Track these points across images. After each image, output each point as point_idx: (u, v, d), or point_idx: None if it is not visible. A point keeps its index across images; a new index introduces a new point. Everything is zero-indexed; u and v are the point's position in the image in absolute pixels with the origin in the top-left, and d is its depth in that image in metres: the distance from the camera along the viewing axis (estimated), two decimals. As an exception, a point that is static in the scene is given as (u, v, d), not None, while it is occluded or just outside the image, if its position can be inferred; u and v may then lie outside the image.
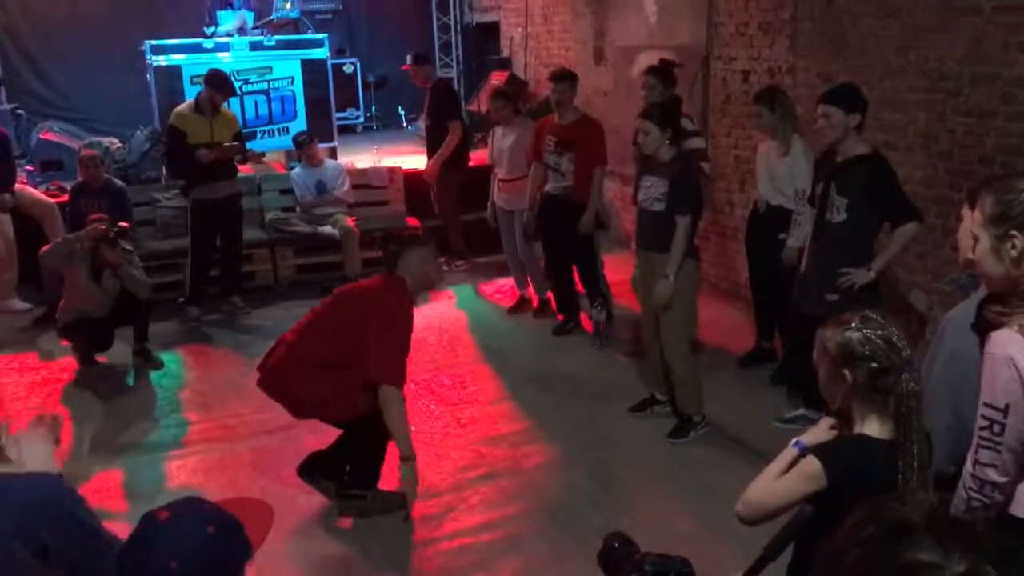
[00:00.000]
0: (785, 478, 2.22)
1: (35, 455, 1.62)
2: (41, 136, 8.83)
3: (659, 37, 7.84)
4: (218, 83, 7.02)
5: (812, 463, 2.17)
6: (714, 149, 7.23)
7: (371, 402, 4.02)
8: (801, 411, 4.86)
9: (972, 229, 2.28)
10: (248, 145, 7.54)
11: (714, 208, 7.28)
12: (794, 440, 2.32)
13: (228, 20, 9.29)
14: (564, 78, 6.32)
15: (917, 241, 4.72)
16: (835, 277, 4.38)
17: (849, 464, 2.16)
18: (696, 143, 5.98)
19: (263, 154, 8.41)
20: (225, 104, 7.17)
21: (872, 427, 2.20)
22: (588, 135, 6.23)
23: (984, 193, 2.28)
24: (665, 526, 4.06)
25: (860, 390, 2.19)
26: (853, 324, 2.21)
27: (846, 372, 2.20)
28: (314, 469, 4.36)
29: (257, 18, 9.54)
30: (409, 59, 8.39)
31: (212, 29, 9.23)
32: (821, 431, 2.33)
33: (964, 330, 2.42)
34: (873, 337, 2.17)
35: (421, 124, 10.40)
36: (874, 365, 2.16)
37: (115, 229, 5.98)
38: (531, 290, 7.15)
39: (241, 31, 9.19)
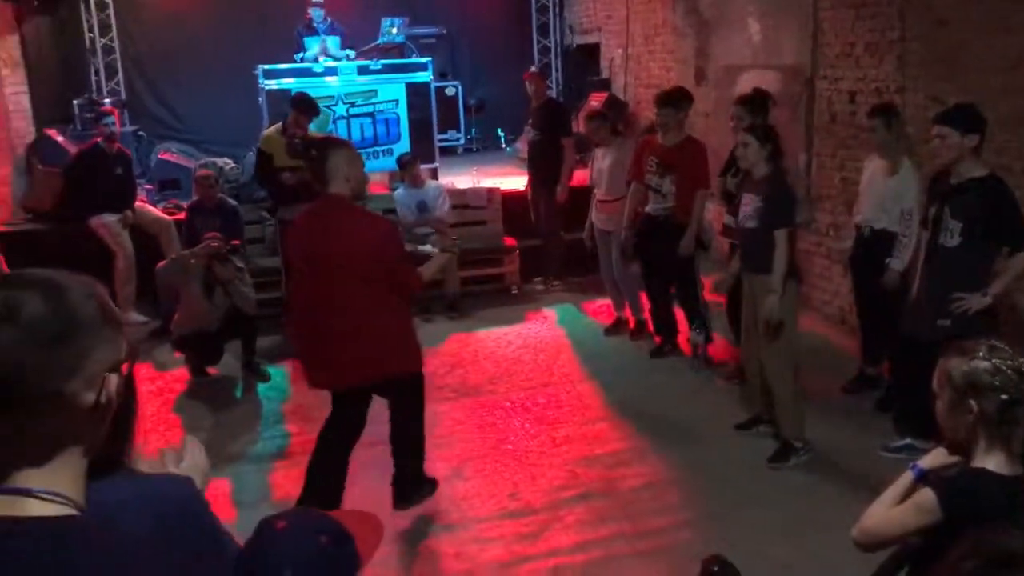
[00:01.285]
0: (900, 508, 2.15)
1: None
2: (160, 156, 9.28)
3: (763, 57, 7.75)
4: (301, 105, 7.23)
5: (927, 495, 2.10)
6: (819, 170, 7.10)
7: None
8: (908, 440, 4.70)
9: None
10: None
11: (818, 231, 7.14)
12: (912, 464, 2.26)
13: (313, 46, 9.58)
14: (668, 103, 6.22)
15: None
16: (948, 302, 4.25)
17: (966, 499, 2.09)
18: None
19: None
20: (313, 127, 7.36)
21: (994, 461, 2.12)
22: (691, 157, 6.17)
23: None
24: (762, 553, 3.98)
25: (986, 422, 2.11)
26: (980, 353, 2.12)
27: (972, 403, 2.11)
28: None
29: (343, 43, 9.79)
30: (535, 69, 8.52)
31: (300, 55, 9.52)
32: (940, 455, 2.25)
33: None
34: (1003, 367, 2.09)
35: (519, 145, 10.52)
36: (1004, 397, 2.07)
37: (227, 247, 6.23)
38: (628, 311, 7.13)
39: (326, 56, 9.45)
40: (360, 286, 3.92)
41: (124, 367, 1.18)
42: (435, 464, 5.06)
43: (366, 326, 3.98)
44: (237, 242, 6.59)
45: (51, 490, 1.12)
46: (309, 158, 4.11)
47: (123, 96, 10.77)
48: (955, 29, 5.54)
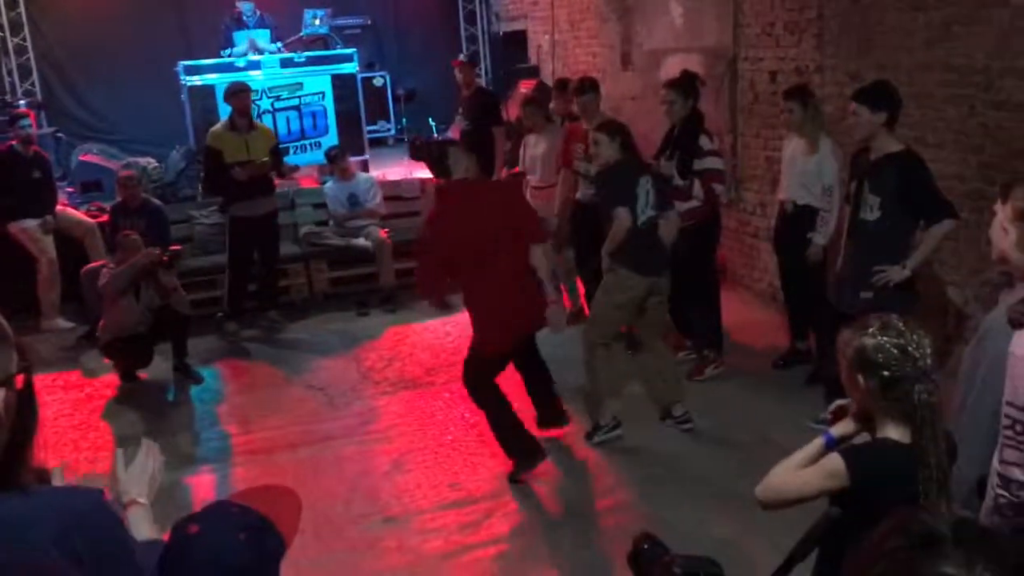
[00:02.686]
0: (807, 471, 2.21)
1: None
2: (81, 158, 9.02)
3: (685, 40, 7.83)
4: (234, 89, 7.20)
5: (835, 461, 2.15)
6: (744, 149, 7.21)
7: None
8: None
9: (1003, 223, 2.28)
10: (284, 159, 7.64)
11: (745, 209, 7.25)
12: (824, 431, 2.32)
13: (242, 41, 9.39)
14: (586, 89, 6.30)
15: (951, 238, 4.67)
16: (870, 275, 4.34)
17: (873, 466, 2.15)
18: (712, 163, 5.58)
19: (297, 168, 8.46)
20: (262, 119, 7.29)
21: (892, 431, 2.18)
22: None
23: (1017, 187, 2.28)
24: (701, 529, 4.05)
25: (873, 396, 2.17)
26: (870, 330, 2.18)
27: (859, 377, 2.18)
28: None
29: (273, 36, 9.62)
30: (463, 57, 8.44)
31: (228, 51, 9.32)
32: (849, 423, 2.32)
33: (1005, 333, 2.40)
34: (887, 345, 2.13)
35: (451, 133, 10.46)
36: (885, 374, 2.13)
37: (168, 253, 6.09)
38: (564, 297, 7.15)
39: (256, 50, 9.27)
40: (517, 244, 4.59)
41: (18, 380, 1.14)
42: (376, 458, 5.06)
43: (528, 278, 4.64)
44: (179, 247, 6.42)
45: None
46: (430, 156, 4.60)
47: (39, 97, 10.43)
48: (870, 7, 5.67)
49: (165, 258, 6.06)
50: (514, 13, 11.85)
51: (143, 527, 1.66)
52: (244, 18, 9.54)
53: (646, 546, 2.01)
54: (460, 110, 8.36)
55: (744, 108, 7.14)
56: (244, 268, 7.34)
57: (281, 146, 8.58)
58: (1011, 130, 4.77)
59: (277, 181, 7.82)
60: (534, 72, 10.91)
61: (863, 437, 2.31)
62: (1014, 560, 1.11)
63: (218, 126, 7.27)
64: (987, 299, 3.19)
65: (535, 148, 6.93)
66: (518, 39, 11.64)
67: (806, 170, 5.36)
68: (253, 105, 8.71)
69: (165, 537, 1.44)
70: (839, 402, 2.35)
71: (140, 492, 1.76)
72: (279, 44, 9.52)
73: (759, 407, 5.27)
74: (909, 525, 1.19)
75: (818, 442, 2.27)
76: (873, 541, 1.20)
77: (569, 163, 6.42)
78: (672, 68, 7.86)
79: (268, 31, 9.56)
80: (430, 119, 11.82)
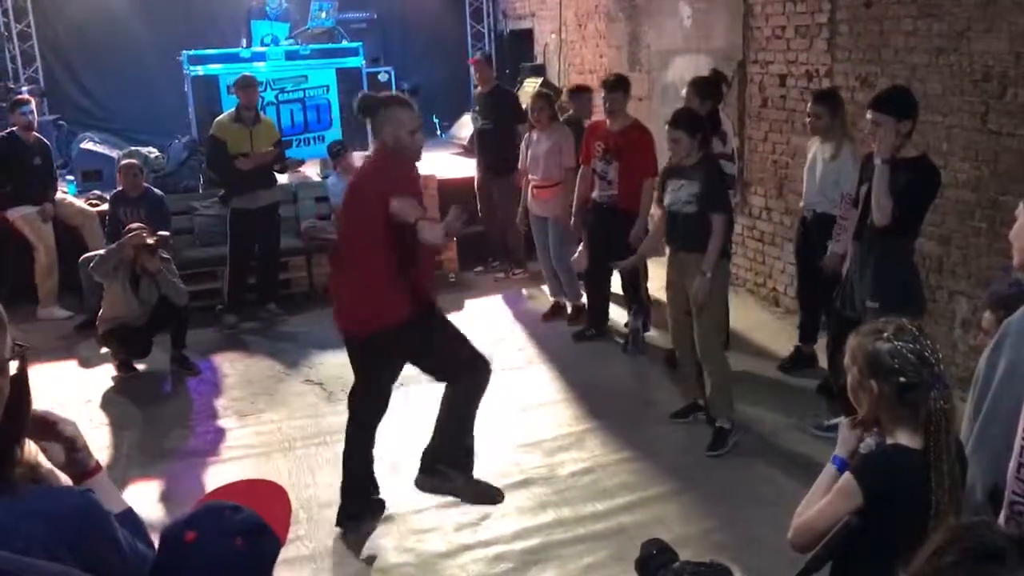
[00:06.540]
0: (827, 499, 2.15)
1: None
2: (81, 146, 8.96)
3: (695, 41, 7.77)
4: (242, 83, 7.15)
5: (848, 480, 2.12)
6: (750, 153, 7.15)
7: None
8: (841, 418, 4.75)
9: None
10: (286, 153, 7.60)
11: (751, 213, 7.20)
12: (833, 456, 2.27)
13: (263, 32, 9.33)
14: (617, 87, 6.14)
15: (959, 247, 4.61)
16: (876, 282, 4.28)
17: (885, 477, 2.10)
18: (726, 168, 5.44)
19: (302, 162, 8.38)
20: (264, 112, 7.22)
21: (903, 437, 2.13)
22: (637, 144, 6.06)
23: None
24: (702, 535, 4.00)
25: (886, 402, 2.12)
26: (885, 334, 2.13)
27: (873, 383, 2.12)
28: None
29: (292, 29, 9.56)
30: (480, 55, 8.31)
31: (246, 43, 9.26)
32: (851, 441, 2.25)
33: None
34: (904, 350, 2.09)
35: (457, 131, 10.39)
36: (902, 379, 2.08)
37: (155, 238, 6.03)
38: (567, 297, 7.10)
39: (274, 42, 9.21)
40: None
41: (13, 366, 1.08)
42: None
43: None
44: (166, 233, 6.41)
45: None
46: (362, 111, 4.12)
47: (42, 84, 10.38)
48: (882, 12, 5.61)
49: (151, 242, 5.98)
50: (521, 12, 11.80)
51: (112, 495, 1.57)
52: (267, 9, 9.47)
53: (655, 552, 1.96)
54: (476, 108, 8.20)
55: (752, 112, 7.09)
56: (244, 261, 7.29)
57: (284, 138, 8.53)
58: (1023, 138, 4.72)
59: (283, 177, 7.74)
60: (540, 71, 10.86)
61: (867, 447, 2.26)
62: None
63: (223, 116, 7.23)
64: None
65: (537, 146, 6.83)
66: (525, 37, 11.60)
67: (825, 176, 5.25)
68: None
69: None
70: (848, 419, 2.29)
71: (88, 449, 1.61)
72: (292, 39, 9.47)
73: (762, 411, 5.21)
74: (966, 540, 1.15)
75: (829, 469, 2.22)
76: (925, 558, 1.16)
77: (588, 160, 6.31)
78: (680, 69, 7.82)
79: (288, 24, 9.49)
80: (434, 116, 11.78)
